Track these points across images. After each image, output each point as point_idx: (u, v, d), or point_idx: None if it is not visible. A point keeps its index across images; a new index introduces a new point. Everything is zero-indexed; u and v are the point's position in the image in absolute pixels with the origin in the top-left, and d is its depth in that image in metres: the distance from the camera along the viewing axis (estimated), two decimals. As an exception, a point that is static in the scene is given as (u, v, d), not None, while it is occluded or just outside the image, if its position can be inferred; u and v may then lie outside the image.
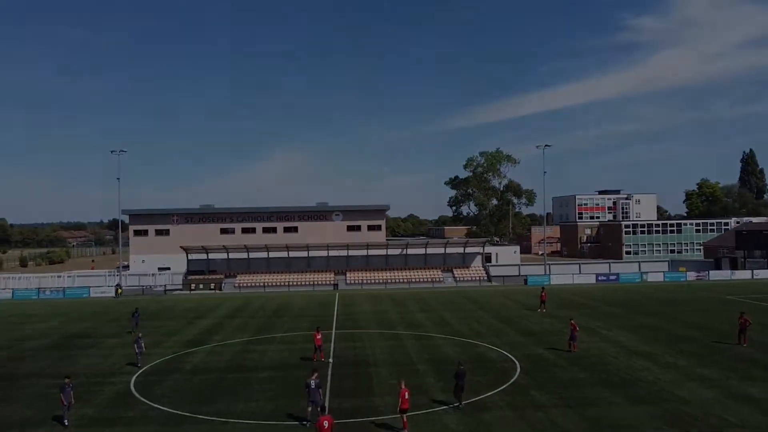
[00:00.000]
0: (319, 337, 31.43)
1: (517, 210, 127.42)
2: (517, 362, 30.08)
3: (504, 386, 25.72)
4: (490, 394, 24.57)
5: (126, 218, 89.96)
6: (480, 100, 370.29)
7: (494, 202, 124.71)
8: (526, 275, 73.83)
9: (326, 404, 22.87)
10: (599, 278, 71.54)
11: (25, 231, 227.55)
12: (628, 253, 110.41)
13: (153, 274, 76.13)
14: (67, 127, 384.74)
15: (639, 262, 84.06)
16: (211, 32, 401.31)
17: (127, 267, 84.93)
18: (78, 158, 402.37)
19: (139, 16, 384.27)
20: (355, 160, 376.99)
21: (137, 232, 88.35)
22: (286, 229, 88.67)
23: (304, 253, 75.58)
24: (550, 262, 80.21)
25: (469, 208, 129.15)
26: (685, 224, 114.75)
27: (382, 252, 76.98)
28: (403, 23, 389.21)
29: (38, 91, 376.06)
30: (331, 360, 31.25)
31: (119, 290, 66.83)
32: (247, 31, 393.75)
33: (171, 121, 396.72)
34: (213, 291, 69.80)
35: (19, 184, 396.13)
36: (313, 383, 21.46)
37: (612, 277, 72.03)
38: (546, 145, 76.67)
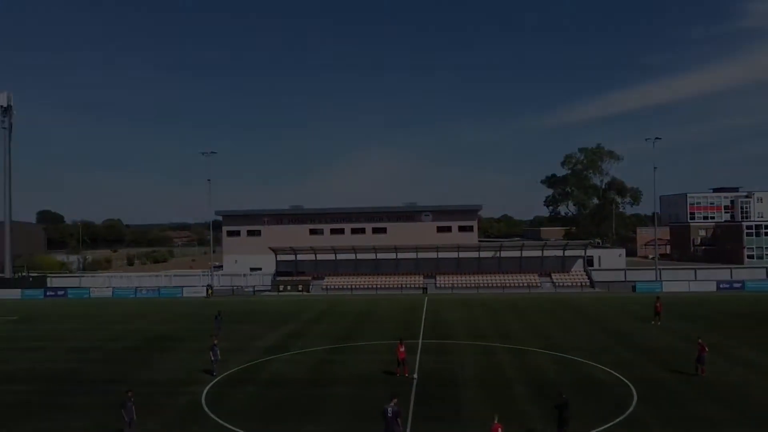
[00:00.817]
0: (402, 350, 28.52)
1: (620, 209, 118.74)
2: (632, 387, 25.64)
3: (618, 419, 21.58)
4: (601, 428, 20.58)
5: (220, 219, 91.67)
6: (578, 96, 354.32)
7: (595, 201, 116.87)
8: (634, 281, 67.27)
9: (406, 432, 19.96)
10: (721, 286, 63.79)
11: (137, 231, 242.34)
12: (750, 257, 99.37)
13: (244, 275, 76.57)
14: (178, 131, 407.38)
15: (767, 267, 74.57)
16: (304, 35, 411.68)
17: (220, 267, 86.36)
18: (185, 160, 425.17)
19: (234, 21, 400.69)
20: (446, 159, 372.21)
21: (230, 233, 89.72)
22: (375, 230, 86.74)
23: (392, 255, 73.17)
24: (661, 267, 72.79)
25: (567, 208, 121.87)
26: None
27: (474, 254, 73.20)
28: (497, 20, 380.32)
29: (156, 96, 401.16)
30: (415, 376, 28.21)
31: (210, 291, 67.47)
32: (341, 31, 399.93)
33: (261, 126, 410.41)
34: (300, 292, 68.93)
35: (135, 187, 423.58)
36: (390, 411, 18.51)
37: (736, 285, 64.01)
38: (656, 138, 69.56)
